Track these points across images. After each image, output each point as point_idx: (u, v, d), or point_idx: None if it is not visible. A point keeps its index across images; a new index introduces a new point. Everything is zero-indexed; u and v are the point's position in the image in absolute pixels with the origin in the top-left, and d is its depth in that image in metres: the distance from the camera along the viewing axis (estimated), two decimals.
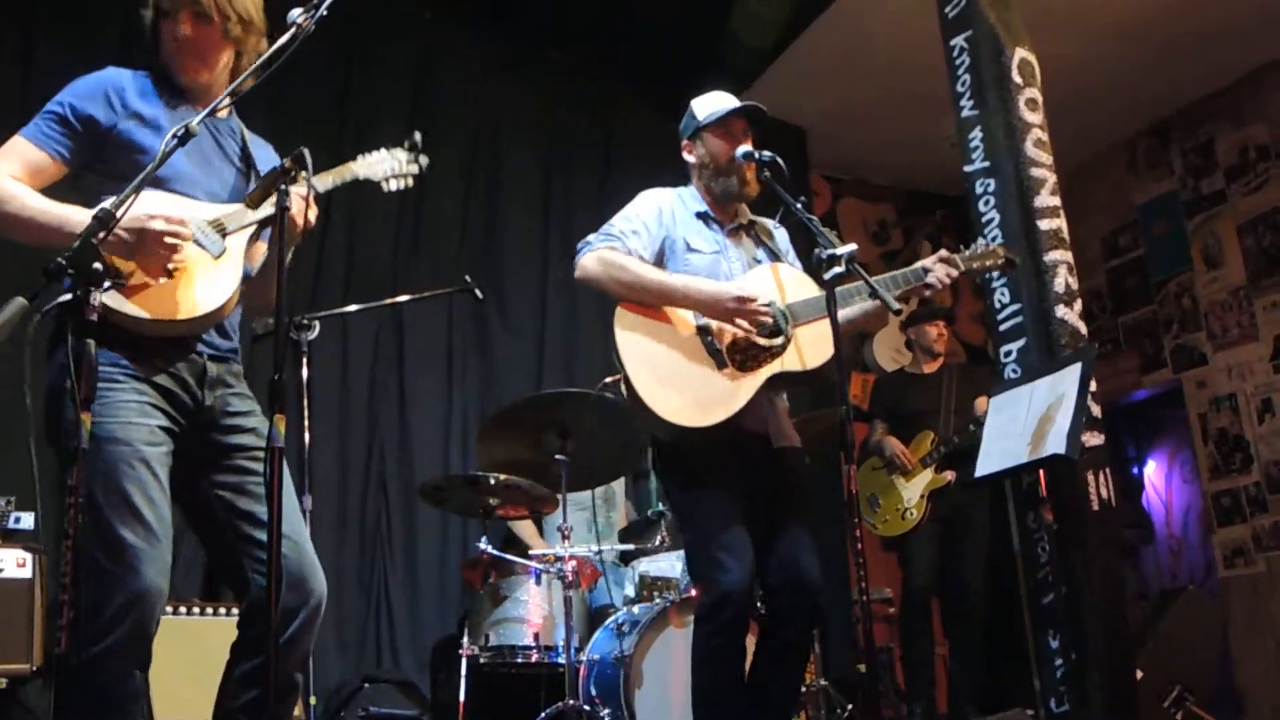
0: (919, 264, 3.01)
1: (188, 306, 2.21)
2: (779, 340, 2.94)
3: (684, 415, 2.86)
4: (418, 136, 2.69)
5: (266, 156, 2.57)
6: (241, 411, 2.36)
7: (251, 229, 2.34)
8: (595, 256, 3.01)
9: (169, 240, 2.13)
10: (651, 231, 3.09)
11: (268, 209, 2.29)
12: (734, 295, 2.90)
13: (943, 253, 3.03)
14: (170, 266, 2.15)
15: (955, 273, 2.99)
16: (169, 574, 2.14)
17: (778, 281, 3.05)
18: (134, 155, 2.26)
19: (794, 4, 5.76)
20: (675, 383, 2.90)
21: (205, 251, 2.25)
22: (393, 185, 2.67)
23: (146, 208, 2.08)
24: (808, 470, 3.11)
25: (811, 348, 2.94)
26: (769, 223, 3.31)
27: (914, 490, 5.23)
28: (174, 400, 2.23)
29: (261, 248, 2.49)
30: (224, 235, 2.29)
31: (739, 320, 2.91)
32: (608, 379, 3.27)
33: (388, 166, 2.64)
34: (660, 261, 3.08)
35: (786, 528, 2.96)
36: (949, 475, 5.18)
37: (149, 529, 2.08)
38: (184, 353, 2.27)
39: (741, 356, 2.95)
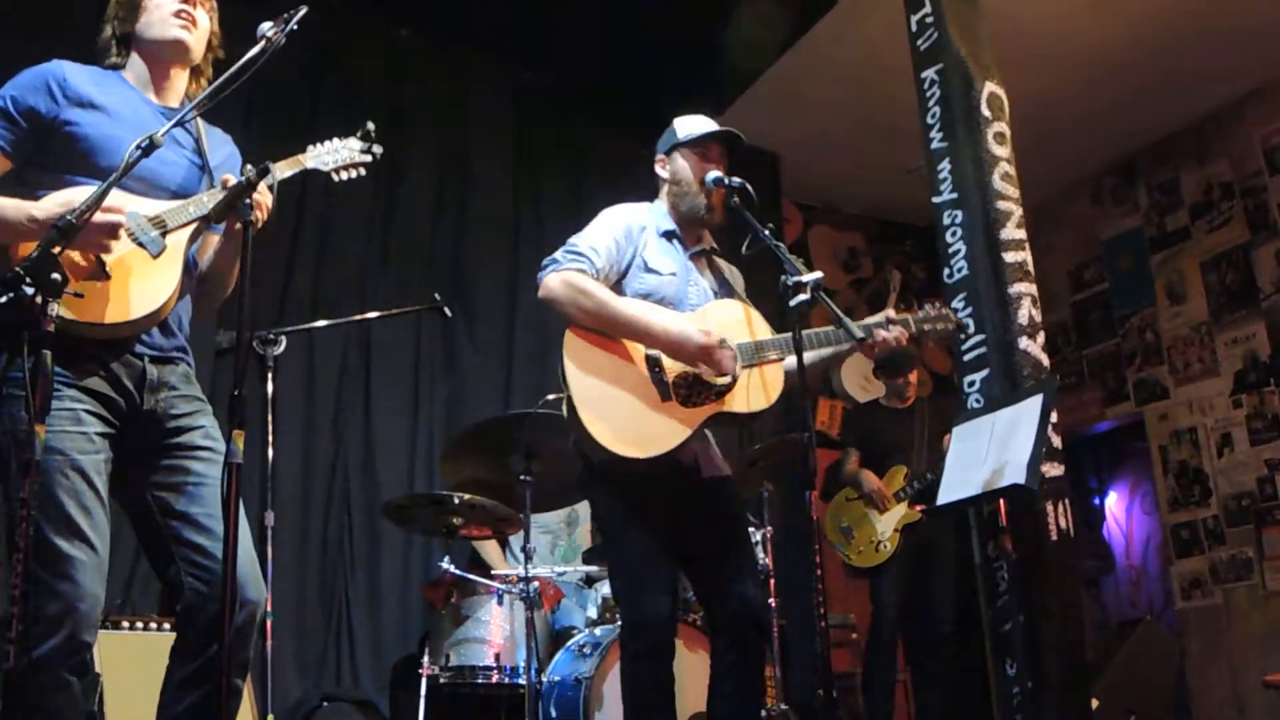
0: (874, 319, 2.98)
1: (123, 309, 2.16)
2: (726, 380, 2.93)
3: (622, 445, 2.86)
4: (370, 126, 2.62)
5: (222, 147, 2.55)
6: (186, 413, 2.31)
7: (194, 226, 2.29)
8: (560, 278, 2.94)
9: (106, 231, 2.08)
10: (621, 250, 3.05)
11: (210, 205, 2.27)
12: (700, 344, 2.88)
13: (890, 313, 2.99)
14: (106, 264, 2.11)
15: (904, 335, 2.97)
16: (105, 582, 2.12)
17: (737, 320, 3.04)
18: (76, 146, 2.24)
19: (782, 27, 5.81)
20: (618, 411, 2.90)
21: (144, 250, 2.21)
22: (343, 175, 2.58)
23: (84, 197, 2.04)
24: (741, 498, 3.15)
25: (756, 391, 2.94)
26: (726, 264, 3.31)
27: (888, 524, 5.24)
28: (110, 405, 2.19)
29: (213, 240, 2.45)
30: (165, 233, 2.24)
31: (702, 364, 2.90)
32: (549, 396, 3.19)
33: (339, 156, 2.56)
34: (621, 279, 3.05)
35: (723, 555, 3.00)
36: (920, 510, 5.22)
37: (84, 538, 2.06)
38: (120, 354, 2.22)
39: (686, 391, 2.93)
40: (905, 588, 5.25)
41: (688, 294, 3.08)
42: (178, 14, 2.41)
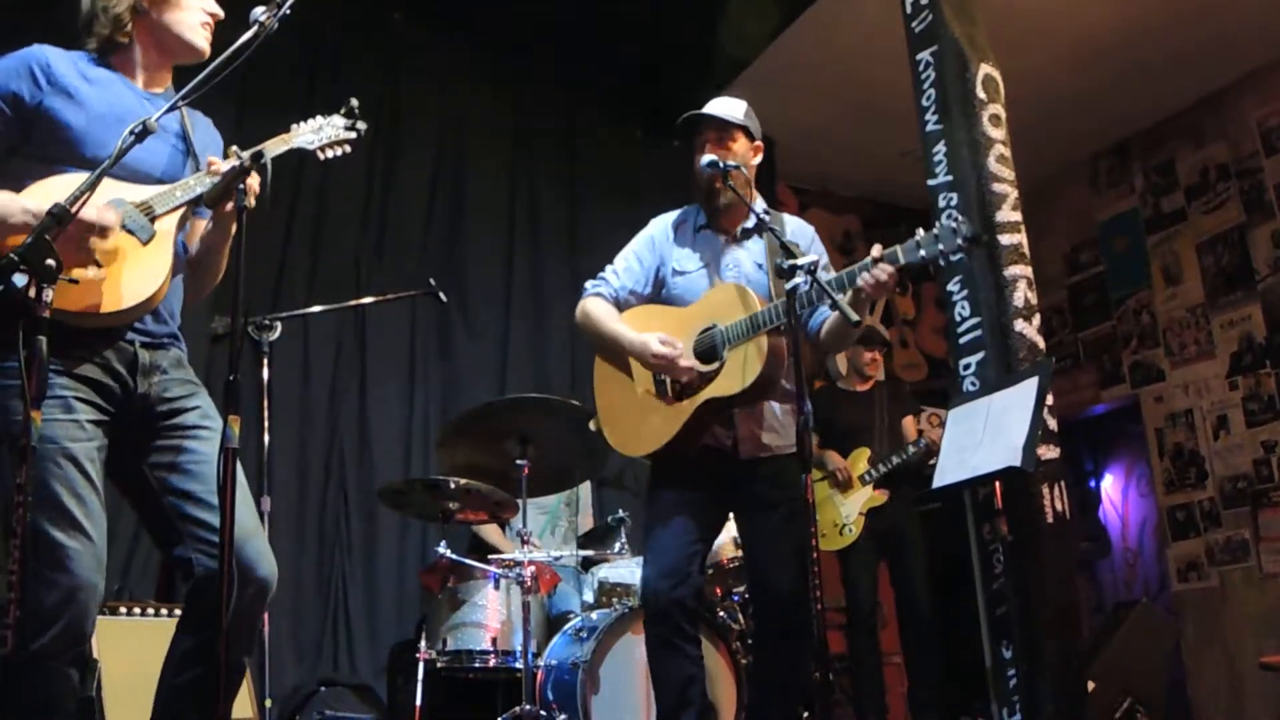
0: (858, 265, 2.87)
1: (115, 299, 2.14)
2: (714, 366, 3.01)
3: (627, 445, 3.19)
4: (354, 102, 2.56)
5: (205, 131, 2.53)
6: (180, 395, 2.30)
7: (181, 211, 2.27)
8: (580, 308, 3.26)
9: (96, 231, 2.05)
10: (645, 263, 3.27)
11: (197, 189, 2.25)
12: (653, 352, 3.03)
13: (876, 251, 2.81)
14: (97, 257, 2.09)
15: (889, 271, 2.78)
16: (104, 571, 2.10)
17: (728, 302, 3.06)
18: (62, 134, 2.21)
19: (776, 11, 5.80)
20: (626, 416, 3.18)
21: (134, 238, 2.18)
22: (329, 154, 2.53)
23: (74, 186, 2.00)
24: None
25: (743, 368, 2.97)
26: (793, 222, 3.26)
27: (852, 507, 5.27)
28: (103, 390, 2.17)
29: (200, 224, 2.42)
30: (153, 219, 2.21)
31: (663, 373, 3.07)
32: (590, 425, 3.54)
33: (324, 134, 2.51)
34: (658, 290, 3.26)
35: (756, 539, 3.08)
36: (883, 494, 5.25)
37: (78, 526, 2.05)
38: (112, 341, 2.20)
39: (680, 387, 3.08)
40: (875, 572, 5.29)
41: (718, 283, 3.16)
42: (206, 25, 2.43)
